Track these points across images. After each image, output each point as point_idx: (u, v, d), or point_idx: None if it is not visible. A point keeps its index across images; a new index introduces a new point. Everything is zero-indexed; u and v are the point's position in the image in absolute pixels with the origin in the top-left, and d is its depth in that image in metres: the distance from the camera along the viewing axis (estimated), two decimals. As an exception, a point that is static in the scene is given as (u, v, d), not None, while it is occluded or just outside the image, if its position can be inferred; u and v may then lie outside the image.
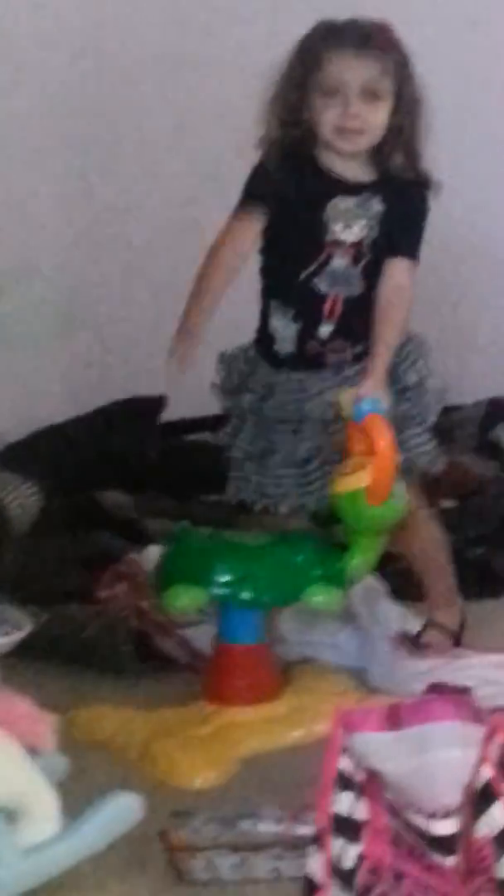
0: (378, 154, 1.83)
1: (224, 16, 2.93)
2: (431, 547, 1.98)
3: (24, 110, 2.80)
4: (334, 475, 1.70)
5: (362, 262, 1.85)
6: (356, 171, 1.82)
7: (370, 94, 1.75)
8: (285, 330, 1.84)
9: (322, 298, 1.83)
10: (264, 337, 1.89)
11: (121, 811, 1.35)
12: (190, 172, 2.92)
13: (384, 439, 1.62)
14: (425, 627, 1.96)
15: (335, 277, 1.83)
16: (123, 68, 2.90)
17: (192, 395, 2.31)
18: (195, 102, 2.93)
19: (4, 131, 2.74)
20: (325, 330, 1.82)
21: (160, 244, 2.92)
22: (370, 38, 1.80)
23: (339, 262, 1.84)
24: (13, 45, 2.80)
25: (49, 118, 2.83)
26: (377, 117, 1.75)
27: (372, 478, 1.61)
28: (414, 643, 1.94)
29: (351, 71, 1.75)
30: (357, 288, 1.83)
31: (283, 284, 1.86)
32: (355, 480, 1.64)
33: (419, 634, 1.95)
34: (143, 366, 2.62)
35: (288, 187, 1.82)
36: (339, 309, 1.84)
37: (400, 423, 1.82)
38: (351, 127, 1.74)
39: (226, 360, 1.96)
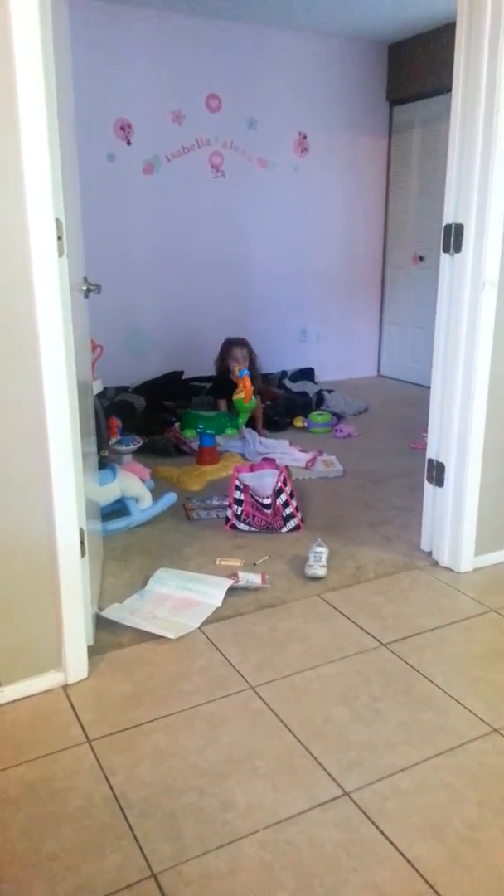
0: None
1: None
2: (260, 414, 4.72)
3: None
4: (235, 395, 4.44)
5: None
6: None
7: None
8: None
9: None
10: None
11: (170, 499, 3.73)
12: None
13: (247, 383, 4.39)
14: None
15: None
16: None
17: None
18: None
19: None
20: None
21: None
22: None
23: None
24: None
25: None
26: None
27: (244, 394, 4.41)
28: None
29: None
30: None
31: None
32: (239, 395, 4.43)
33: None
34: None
35: None
36: None
37: None
38: None
39: None
